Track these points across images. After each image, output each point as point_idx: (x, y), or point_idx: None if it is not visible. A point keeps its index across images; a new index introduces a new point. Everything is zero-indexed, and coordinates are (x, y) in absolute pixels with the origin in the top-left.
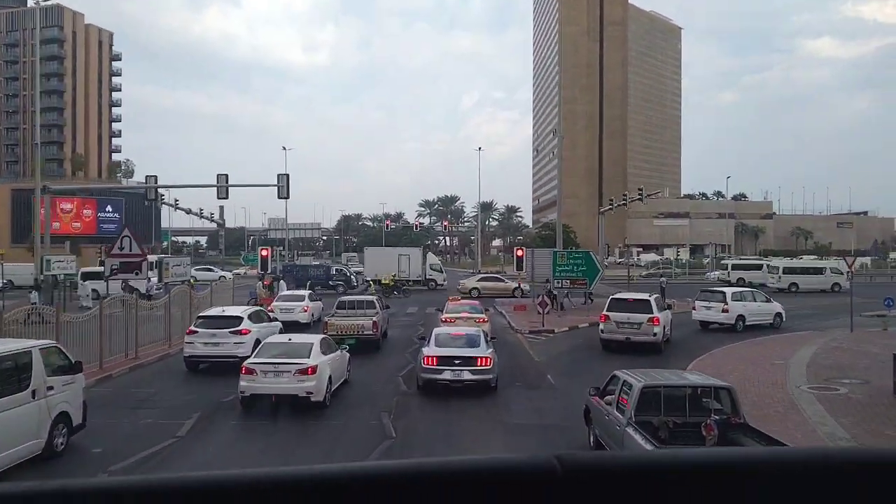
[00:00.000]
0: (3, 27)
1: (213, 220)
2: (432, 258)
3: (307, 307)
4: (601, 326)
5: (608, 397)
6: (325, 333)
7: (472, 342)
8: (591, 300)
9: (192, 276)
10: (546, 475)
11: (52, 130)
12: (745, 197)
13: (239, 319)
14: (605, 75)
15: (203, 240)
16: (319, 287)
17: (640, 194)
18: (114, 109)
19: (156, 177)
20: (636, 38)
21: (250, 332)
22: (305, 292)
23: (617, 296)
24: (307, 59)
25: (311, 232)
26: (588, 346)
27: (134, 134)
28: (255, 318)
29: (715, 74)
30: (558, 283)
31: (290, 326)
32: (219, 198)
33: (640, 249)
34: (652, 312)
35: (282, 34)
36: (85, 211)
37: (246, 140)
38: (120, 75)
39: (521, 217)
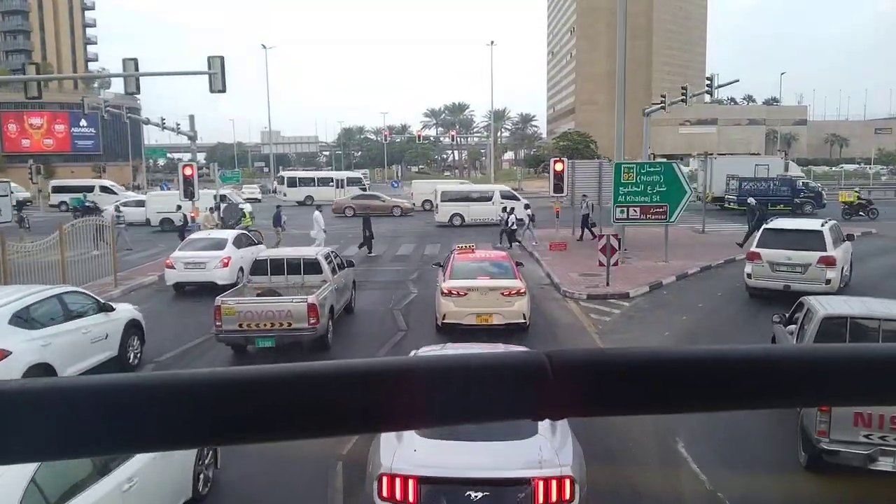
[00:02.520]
0: None
1: (179, 132)
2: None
3: (227, 258)
4: (748, 269)
5: (791, 326)
6: (216, 327)
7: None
8: (592, 233)
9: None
10: (537, 367)
11: (17, 37)
12: (778, 101)
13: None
14: None
15: (201, 157)
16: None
17: (683, 93)
18: (87, 13)
19: (135, 60)
20: None
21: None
22: (229, 233)
23: (773, 224)
24: None
25: (309, 146)
26: (716, 326)
27: (126, 48)
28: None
29: None
30: (622, 211)
31: (201, 290)
32: (127, 92)
33: (665, 158)
34: (824, 250)
35: None
36: (57, 126)
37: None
38: None
39: (536, 126)
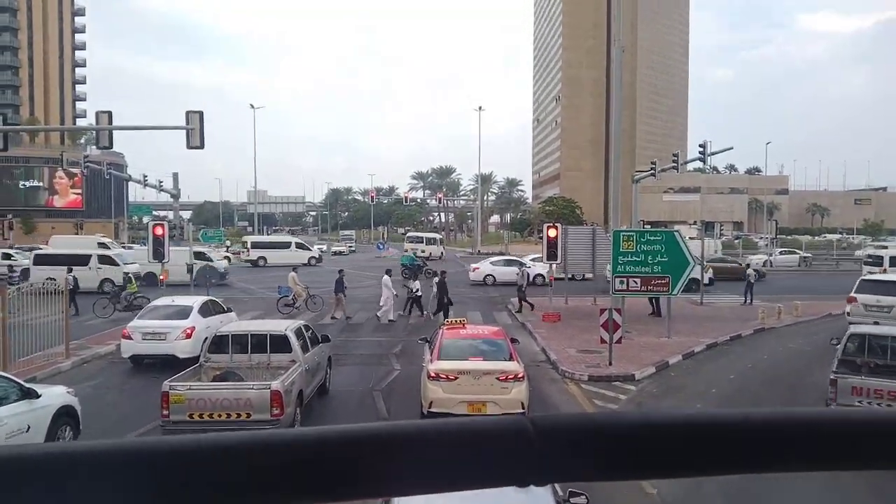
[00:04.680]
0: None
1: (162, 190)
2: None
3: (191, 329)
4: (847, 308)
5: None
6: (163, 416)
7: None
8: (529, 303)
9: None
10: (520, 434)
11: (6, 92)
12: (759, 171)
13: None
14: (613, 37)
15: (186, 215)
16: None
17: (675, 159)
18: (78, 70)
19: (109, 113)
20: (643, 0)
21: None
22: (195, 300)
23: (866, 277)
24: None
25: (296, 206)
26: None
27: (122, 106)
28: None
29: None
30: (621, 281)
31: (162, 364)
32: (99, 147)
33: (649, 225)
34: None
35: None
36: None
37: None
38: (84, 32)
39: (522, 191)
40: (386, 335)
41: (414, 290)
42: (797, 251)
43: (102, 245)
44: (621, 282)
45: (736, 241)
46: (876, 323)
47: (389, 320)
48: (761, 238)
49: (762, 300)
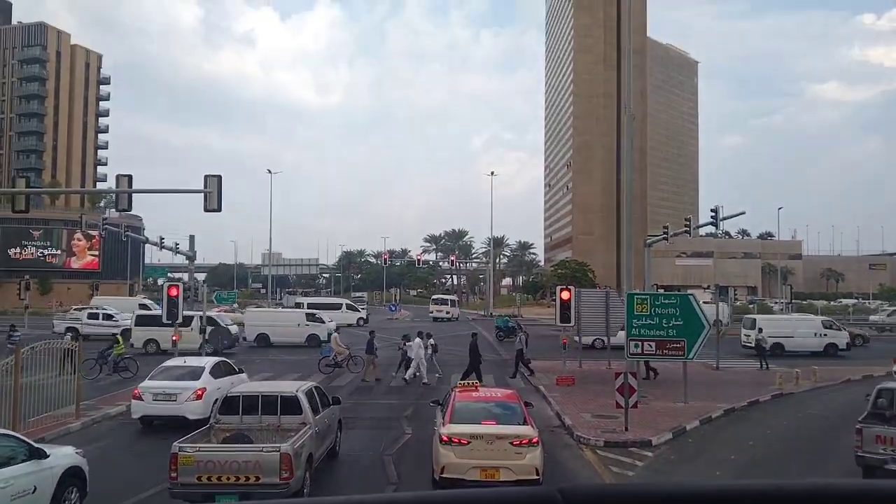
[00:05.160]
0: None
1: (178, 252)
2: None
3: (202, 390)
4: (894, 368)
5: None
6: (171, 479)
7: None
8: (529, 369)
9: None
10: None
11: (30, 156)
12: (772, 236)
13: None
14: (623, 105)
15: (202, 277)
16: None
17: (686, 224)
18: (101, 136)
19: (130, 176)
20: (653, 70)
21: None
22: (206, 361)
23: None
24: (320, 99)
25: (309, 268)
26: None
27: (142, 170)
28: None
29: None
30: (636, 345)
31: (172, 425)
32: (118, 209)
33: (663, 290)
34: None
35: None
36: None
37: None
38: (108, 99)
39: (534, 254)
40: (398, 398)
41: (406, 353)
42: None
43: (144, 306)
44: (636, 345)
45: (750, 305)
46: None
47: (424, 383)
48: (776, 303)
49: (779, 365)
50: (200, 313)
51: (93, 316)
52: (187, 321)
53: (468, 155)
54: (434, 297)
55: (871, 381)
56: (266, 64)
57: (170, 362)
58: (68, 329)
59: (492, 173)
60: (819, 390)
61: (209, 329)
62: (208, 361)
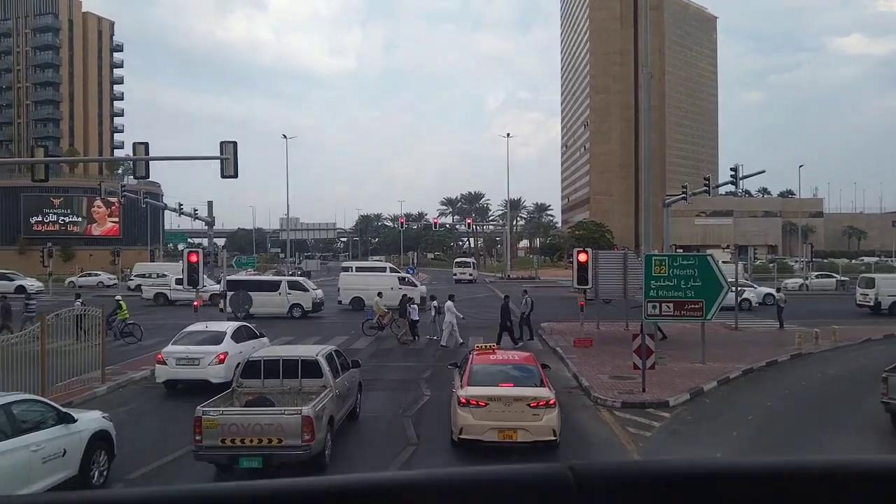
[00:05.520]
0: None
1: (197, 218)
2: None
3: (223, 354)
4: None
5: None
6: (195, 442)
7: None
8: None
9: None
10: (559, 485)
11: (47, 125)
12: (793, 193)
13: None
14: (640, 62)
15: (221, 242)
16: None
17: (706, 183)
18: (116, 103)
19: (146, 144)
20: (670, 26)
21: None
22: (228, 326)
23: None
24: (334, 62)
25: (327, 232)
26: (773, 445)
27: (157, 137)
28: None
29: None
30: (654, 306)
31: (195, 389)
32: (136, 177)
33: (682, 249)
34: None
35: (308, 38)
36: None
37: (271, 146)
38: (122, 66)
39: (551, 216)
40: (416, 360)
41: (410, 315)
42: (834, 275)
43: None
44: (654, 306)
45: (771, 264)
46: None
47: (459, 342)
48: (797, 261)
49: (800, 325)
50: (286, 278)
51: (180, 281)
52: (275, 286)
53: (484, 117)
54: (457, 260)
55: (892, 339)
56: (279, 28)
57: (192, 327)
58: (157, 295)
59: (508, 135)
60: (839, 350)
61: (230, 294)
62: (230, 326)
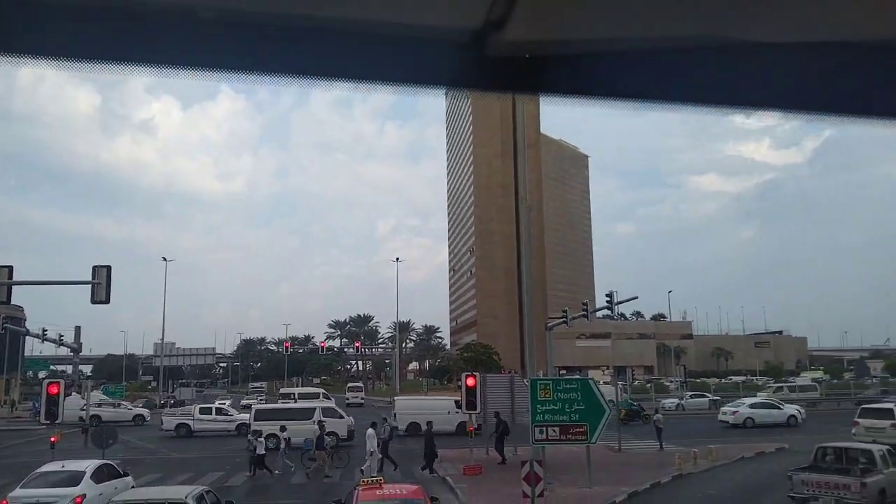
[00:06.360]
0: None
1: (61, 344)
2: None
3: (80, 498)
4: (854, 430)
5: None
6: None
7: None
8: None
9: None
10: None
11: None
12: (665, 317)
13: None
14: (521, 196)
15: (88, 369)
16: None
17: (584, 308)
18: None
19: (10, 268)
20: (547, 163)
21: None
22: (88, 464)
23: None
24: (222, 186)
25: (205, 358)
26: None
27: (29, 258)
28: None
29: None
30: (541, 431)
31: None
32: None
33: (565, 371)
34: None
35: (196, 162)
36: None
37: (150, 267)
38: None
39: (440, 338)
40: (297, 498)
41: (255, 449)
42: (707, 394)
43: None
44: (541, 431)
45: (647, 385)
46: (874, 440)
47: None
48: (671, 382)
49: (678, 445)
50: (319, 404)
51: (205, 411)
52: (308, 413)
53: (374, 241)
54: (349, 385)
55: (762, 457)
56: (165, 152)
57: (46, 467)
58: (179, 425)
59: (397, 259)
60: (716, 469)
61: (90, 429)
62: (89, 465)
